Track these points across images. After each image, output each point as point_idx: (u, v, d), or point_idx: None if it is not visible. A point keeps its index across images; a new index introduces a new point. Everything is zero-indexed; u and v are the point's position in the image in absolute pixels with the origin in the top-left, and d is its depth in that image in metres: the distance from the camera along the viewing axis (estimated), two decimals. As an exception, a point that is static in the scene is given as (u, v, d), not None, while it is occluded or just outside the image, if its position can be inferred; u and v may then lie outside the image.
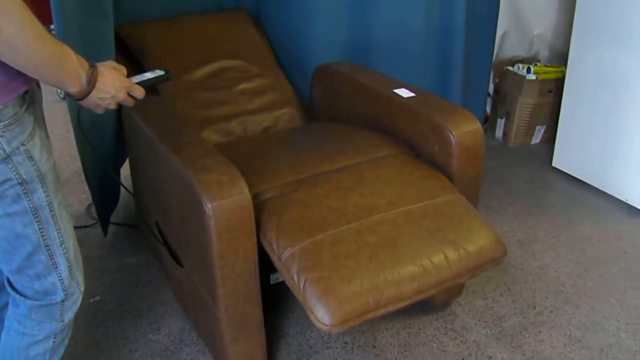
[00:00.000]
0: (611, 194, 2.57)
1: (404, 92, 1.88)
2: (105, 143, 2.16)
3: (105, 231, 2.31)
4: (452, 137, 1.67)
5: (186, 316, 1.94)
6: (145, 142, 1.77)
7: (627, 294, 2.02)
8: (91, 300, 2.06)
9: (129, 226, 2.47)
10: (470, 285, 2.08)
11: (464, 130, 1.69)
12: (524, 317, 1.93)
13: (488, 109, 3.17)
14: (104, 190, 2.27)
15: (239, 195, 1.41)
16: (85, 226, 2.44)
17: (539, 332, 1.87)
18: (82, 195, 2.69)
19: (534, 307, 1.97)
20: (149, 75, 1.33)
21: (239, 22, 2.43)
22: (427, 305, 1.98)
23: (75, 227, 2.42)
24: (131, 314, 1.99)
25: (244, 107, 2.18)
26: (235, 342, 1.57)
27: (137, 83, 1.28)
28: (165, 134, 1.68)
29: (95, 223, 2.45)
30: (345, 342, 1.85)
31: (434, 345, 1.82)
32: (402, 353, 1.80)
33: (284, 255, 1.45)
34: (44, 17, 1.30)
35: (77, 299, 1.34)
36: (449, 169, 1.72)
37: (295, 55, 2.48)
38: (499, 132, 3.10)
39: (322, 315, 1.35)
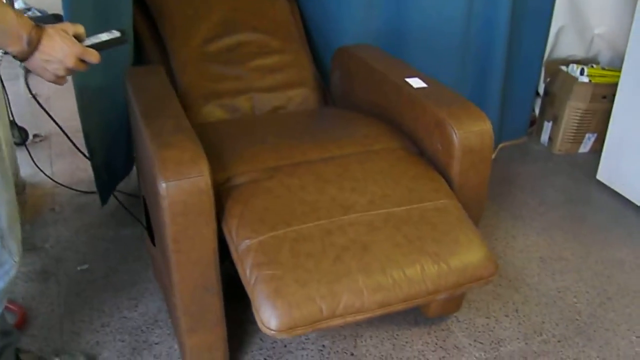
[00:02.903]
0: (658, 217, 2.30)
1: (416, 82, 1.71)
2: (114, 109, 2.10)
3: (104, 200, 2.25)
4: (454, 136, 1.49)
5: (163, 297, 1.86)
6: (132, 111, 1.68)
7: (651, 332, 1.79)
8: (78, 268, 2.02)
9: (135, 196, 2.41)
10: (475, 300, 1.89)
11: (469, 130, 1.50)
12: (527, 344, 1.73)
13: (537, 111, 2.92)
14: (110, 158, 2.22)
15: (198, 176, 1.29)
16: (92, 192, 2.39)
17: (539, 362, 1.67)
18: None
19: (540, 334, 1.77)
20: (104, 36, 1.23)
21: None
22: (421, 317, 1.82)
23: (80, 192, 2.41)
24: (113, 287, 1.93)
25: (255, 84, 2.05)
26: (192, 332, 1.47)
27: (89, 46, 1.19)
28: (148, 105, 1.58)
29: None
30: (323, 346, 1.71)
31: (418, 362, 1.67)
32: (380, 366, 1.65)
33: (241, 246, 1.32)
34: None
35: (9, 270, 1.26)
36: (450, 172, 1.54)
37: (325, 34, 2.33)
38: (544, 137, 2.85)
39: (267, 318, 1.22)
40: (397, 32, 2.35)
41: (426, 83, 1.71)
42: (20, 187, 2.44)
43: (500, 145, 2.81)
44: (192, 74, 2.01)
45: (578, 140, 2.74)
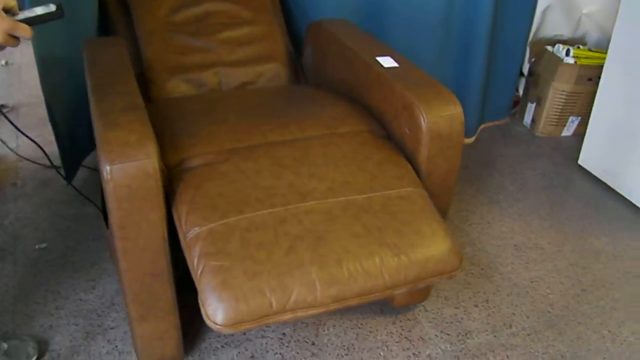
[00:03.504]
0: (638, 204, 2.23)
1: (387, 62, 1.62)
2: (76, 80, 2.00)
3: (68, 175, 2.16)
4: (422, 120, 1.42)
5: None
6: (87, 85, 1.59)
7: (624, 327, 1.73)
8: (37, 246, 1.94)
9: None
10: (444, 289, 1.83)
11: (438, 114, 1.42)
12: (495, 336, 1.68)
13: (521, 91, 2.83)
14: (74, 131, 2.13)
15: (145, 159, 1.21)
16: (56, 167, 2.30)
17: (507, 356, 1.61)
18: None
19: (510, 327, 1.71)
20: (39, 10, 1.14)
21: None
22: (387, 306, 1.76)
23: (44, 166, 2.32)
24: (72, 267, 1.86)
25: (223, 58, 1.96)
26: (141, 320, 1.40)
27: (22, 20, 1.10)
28: (101, 79, 1.49)
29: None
30: (284, 334, 1.65)
31: (381, 352, 1.61)
32: (341, 356, 1.59)
33: (190, 234, 1.25)
34: None
35: None
36: (417, 158, 1.47)
37: (302, 6, 2.23)
38: (527, 118, 2.77)
39: (213, 311, 1.15)
40: (378, 7, 2.26)
41: (397, 62, 1.62)
42: (-17, 160, 2.35)
43: (482, 126, 2.73)
44: (158, 45, 1.92)
45: (561, 123, 2.66)
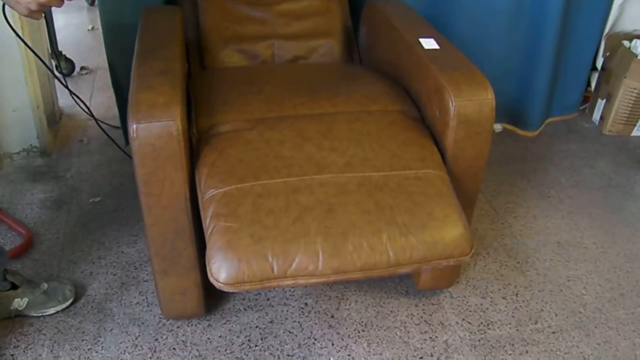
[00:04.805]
0: (703, 213, 2.10)
1: (429, 43, 1.61)
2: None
3: (127, 139, 2.28)
4: (450, 103, 1.40)
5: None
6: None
7: (659, 336, 1.65)
8: (91, 200, 2.07)
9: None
10: (474, 277, 1.81)
11: (468, 98, 1.40)
12: (517, 330, 1.64)
13: (594, 86, 2.71)
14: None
15: (169, 120, 1.27)
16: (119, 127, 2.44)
17: (526, 351, 1.58)
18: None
19: (535, 322, 1.67)
20: None
21: None
22: (413, 289, 1.76)
23: (111, 125, 2.45)
24: (119, 222, 1.97)
25: (278, 30, 1.99)
26: (164, 274, 1.48)
27: None
28: (148, 45, 1.57)
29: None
30: (305, 304, 1.69)
31: (397, 333, 1.62)
32: (358, 332, 1.61)
33: (207, 195, 1.31)
34: None
35: None
36: (445, 141, 1.46)
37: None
38: (596, 115, 2.64)
39: (216, 269, 1.20)
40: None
41: (439, 45, 1.60)
42: (57, 116, 2.52)
43: (547, 120, 2.64)
44: (215, 13, 1.96)
45: (632, 122, 2.53)
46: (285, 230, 1.24)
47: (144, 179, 1.32)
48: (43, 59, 2.06)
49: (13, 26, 1.50)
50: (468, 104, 1.40)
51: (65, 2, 1.21)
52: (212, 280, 1.21)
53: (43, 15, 1.22)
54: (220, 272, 1.20)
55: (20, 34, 1.61)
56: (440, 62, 1.52)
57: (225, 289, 1.20)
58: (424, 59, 1.54)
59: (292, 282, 1.22)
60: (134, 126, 1.26)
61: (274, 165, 1.34)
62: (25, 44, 1.66)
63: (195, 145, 1.44)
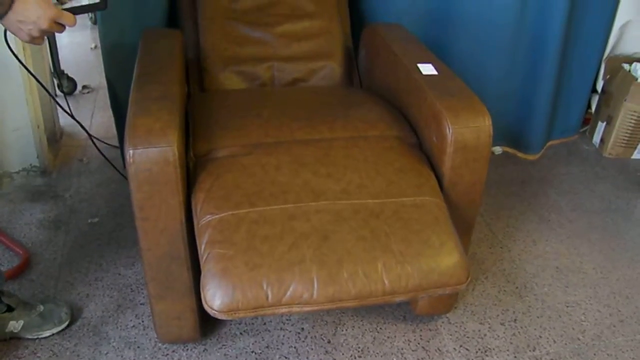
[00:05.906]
0: None
1: (427, 69, 1.61)
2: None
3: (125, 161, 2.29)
4: (448, 130, 1.40)
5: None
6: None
7: (658, 365, 1.64)
8: (89, 220, 2.07)
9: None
10: (472, 303, 1.80)
11: (465, 125, 1.40)
12: (515, 357, 1.63)
13: (594, 109, 2.71)
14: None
15: (166, 146, 1.27)
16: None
17: (523, 379, 1.57)
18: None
19: (534, 349, 1.66)
20: (84, 1, 1.23)
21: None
22: (410, 314, 1.75)
23: (111, 145, 2.45)
24: (117, 243, 1.97)
25: (279, 52, 1.99)
26: (159, 298, 1.47)
27: (67, 9, 1.20)
28: (147, 68, 1.57)
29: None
30: (302, 329, 1.68)
31: (394, 359, 1.60)
32: (354, 358, 1.60)
33: (202, 221, 1.30)
34: None
35: None
36: (442, 168, 1.45)
37: (371, 5, 2.23)
38: (596, 138, 2.64)
39: (210, 296, 1.20)
40: (445, 17, 2.24)
41: (438, 71, 1.61)
42: (58, 135, 2.53)
43: (548, 143, 2.64)
44: (215, 33, 1.96)
45: (632, 145, 2.53)
46: (280, 257, 1.23)
47: (140, 204, 1.32)
48: (45, 83, 2.08)
49: (14, 50, 1.51)
50: (465, 131, 1.40)
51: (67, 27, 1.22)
52: (206, 307, 1.21)
53: (45, 39, 1.24)
54: (215, 299, 1.20)
55: (22, 57, 1.62)
56: (438, 88, 1.52)
57: (219, 316, 1.20)
58: (422, 85, 1.55)
59: (287, 310, 1.22)
60: (131, 151, 1.27)
61: (270, 191, 1.34)
62: (27, 70, 1.67)
63: (192, 169, 1.44)
